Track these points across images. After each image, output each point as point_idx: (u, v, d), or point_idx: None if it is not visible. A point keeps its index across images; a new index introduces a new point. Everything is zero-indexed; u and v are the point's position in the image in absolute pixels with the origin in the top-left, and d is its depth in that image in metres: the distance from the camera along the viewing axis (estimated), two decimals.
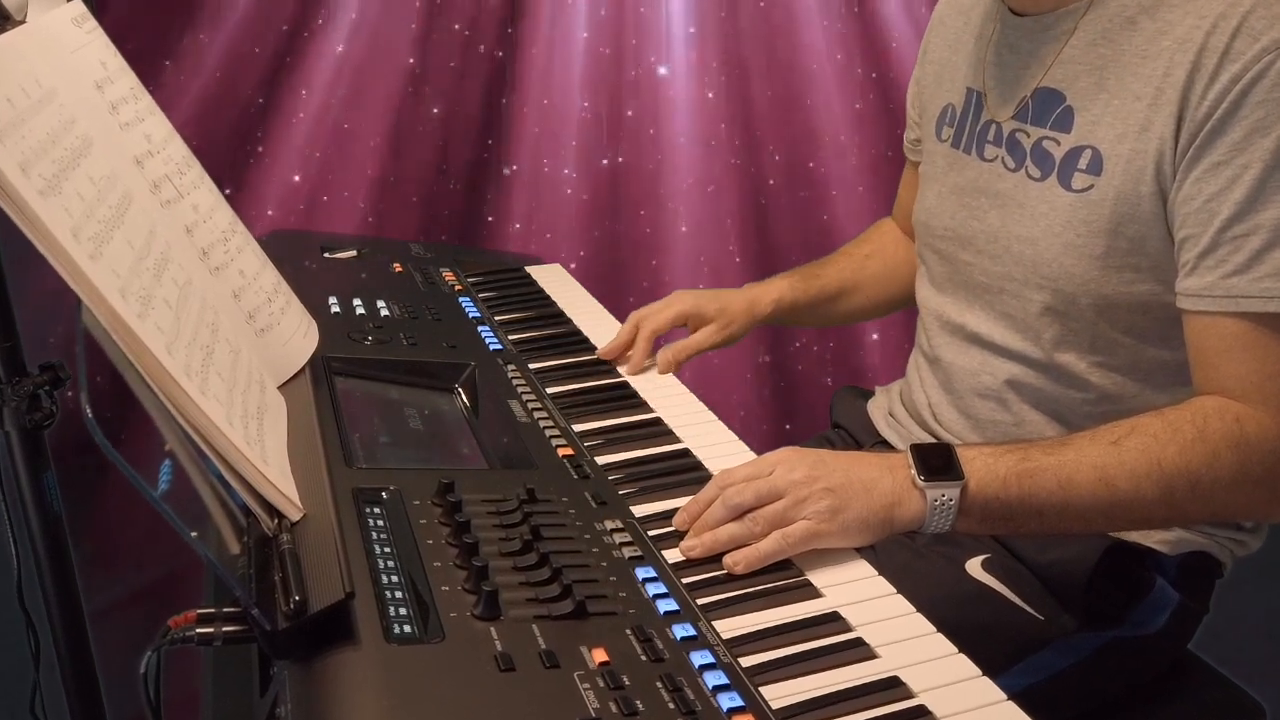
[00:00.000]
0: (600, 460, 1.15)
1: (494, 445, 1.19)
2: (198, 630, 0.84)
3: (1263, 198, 1.02)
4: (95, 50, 1.13)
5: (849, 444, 1.49)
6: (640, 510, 1.05)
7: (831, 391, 1.63)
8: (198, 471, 0.92)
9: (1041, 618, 1.15)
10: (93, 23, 1.15)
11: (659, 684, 0.80)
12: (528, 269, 1.75)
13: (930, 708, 0.82)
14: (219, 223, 1.19)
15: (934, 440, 1.34)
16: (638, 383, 1.37)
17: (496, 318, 1.53)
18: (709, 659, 0.83)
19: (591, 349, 1.44)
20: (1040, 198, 1.18)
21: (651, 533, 1.02)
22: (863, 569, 0.99)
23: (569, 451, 1.15)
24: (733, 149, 2.37)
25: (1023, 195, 1.20)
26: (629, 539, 0.99)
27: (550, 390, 1.31)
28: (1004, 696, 0.83)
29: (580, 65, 2.32)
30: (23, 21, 1.01)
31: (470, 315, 1.51)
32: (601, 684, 0.79)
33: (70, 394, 1.16)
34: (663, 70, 2.33)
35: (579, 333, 1.50)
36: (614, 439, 1.21)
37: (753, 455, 1.16)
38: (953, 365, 1.31)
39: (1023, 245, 1.20)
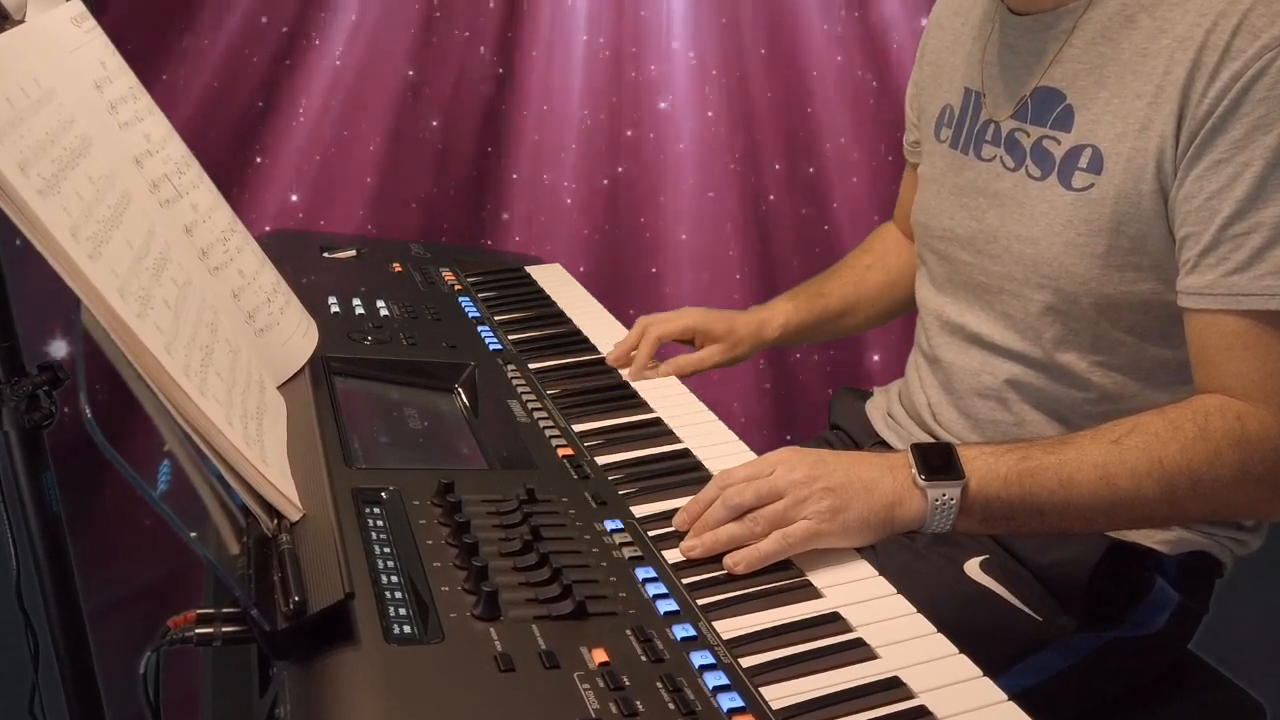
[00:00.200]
0: (600, 460, 1.15)
1: (494, 445, 1.19)
2: (197, 631, 0.84)
3: (1264, 195, 1.02)
4: (94, 49, 1.13)
5: (847, 445, 1.49)
6: (640, 510, 1.05)
7: (830, 392, 1.63)
8: (197, 472, 0.92)
9: (1041, 618, 1.15)
10: (92, 22, 1.15)
11: (659, 684, 0.80)
12: (527, 269, 1.75)
13: (931, 708, 0.82)
14: (218, 222, 1.19)
15: (935, 440, 1.34)
16: (638, 383, 1.37)
17: (496, 318, 1.53)
18: (709, 659, 0.83)
19: (591, 349, 1.44)
20: (1040, 197, 1.18)
21: (651, 533, 1.02)
22: (863, 569, 0.99)
23: (569, 451, 1.15)
24: (732, 155, 2.37)
25: (1023, 195, 1.20)
26: (629, 539, 0.99)
27: (550, 390, 1.31)
28: (1004, 697, 0.83)
29: (580, 70, 2.32)
30: (22, 21, 1.01)
31: (470, 315, 1.51)
32: (601, 684, 0.79)
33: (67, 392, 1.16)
34: (656, 68, 2.33)
35: (579, 333, 1.50)
36: (614, 439, 1.21)
37: (753, 455, 1.16)
38: (952, 365, 1.31)
39: (1023, 245, 1.19)
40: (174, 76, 2.24)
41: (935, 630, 0.90)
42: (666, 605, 0.90)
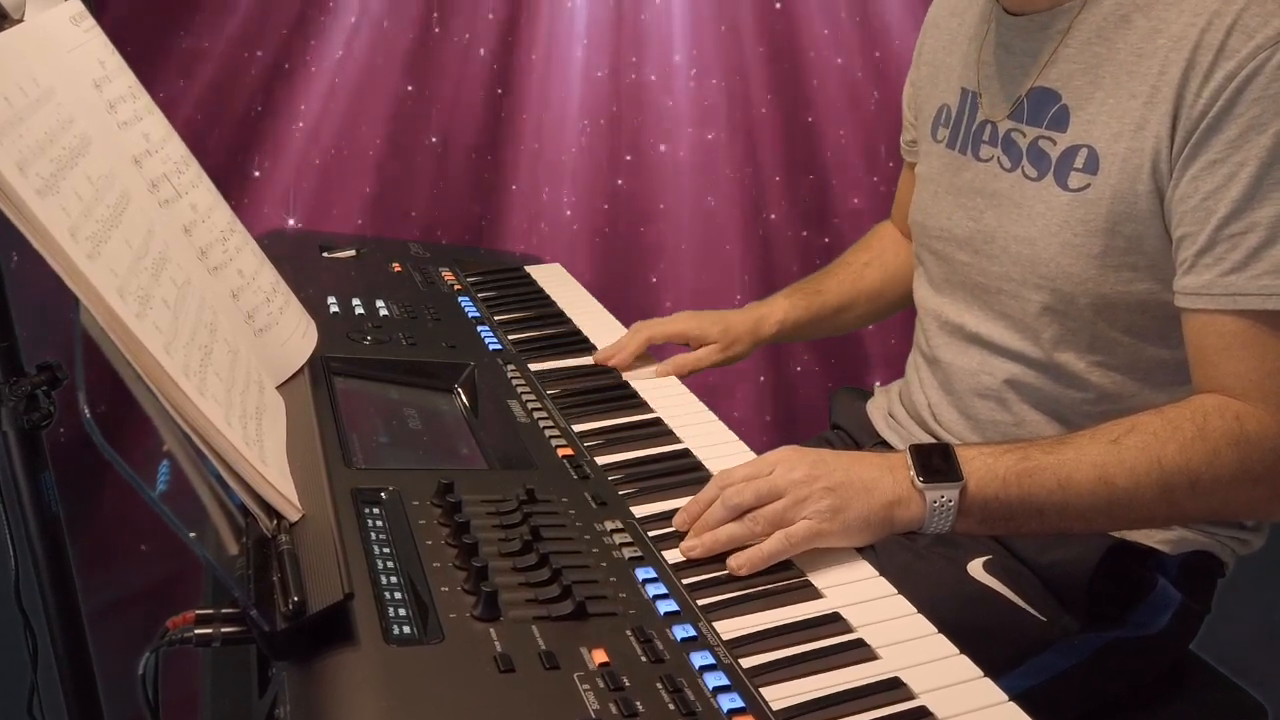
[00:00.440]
0: (600, 460, 1.15)
1: (494, 445, 1.19)
2: (196, 631, 0.84)
3: (1259, 195, 1.02)
4: (93, 49, 1.12)
5: (848, 445, 1.49)
6: (640, 510, 1.05)
7: (830, 392, 1.63)
8: (196, 472, 0.92)
9: (1043, 619, 1.15)
10: (90, 21, 1.15)
11: (659, 685, 0.79)
12: (527, 269, 1.74)
13: (931, 709, 0.81)
14: (217, 222, 1.19)
15: (934, 441, 1.33)
16: (638, 383, 1.37)
17: (496, 317, 1.53)
18: (709, 660, 0.83)
19: (592, 349, 1.44)
20: (1037, 197, 1.18)
21: (652, 533, 1.01)
22: (864, 570, 0.99)
23: (569, 452, 1.15)
24: (732, 161, 2.36)
25: (1019, 195, 1.20)
26: (629, 539, 0.99)
27: (550, 390, 1.31)
28: (1005, 698, 0.83)
29: (579, 76, 2.31)
30: (20, 20, 1.01)
31: (470, 315, 1.51)
32: (601, 685, 0.79)
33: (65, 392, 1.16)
34: (654, 77, 2.32)
35: (579, 332, 1.50)
36: (614, 439, 1.21)
37: (753, 455, 1.16)
38: (952, 365, 1.31)
39: (1020, 245, 1.19)
40: (173, 76, 2.23)
41: (936, 631, 0.90)
42: (666, 605, 0.90)
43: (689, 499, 1.04)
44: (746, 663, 0.85)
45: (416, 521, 0.96)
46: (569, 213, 2.35)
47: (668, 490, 1.10)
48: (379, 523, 0.96)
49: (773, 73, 2.32)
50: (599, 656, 0.81)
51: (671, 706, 0.77)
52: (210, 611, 0.85)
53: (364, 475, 1.04)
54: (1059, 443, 1.04)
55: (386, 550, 0.91)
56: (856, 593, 0.95)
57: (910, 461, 1.01)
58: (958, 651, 0.88)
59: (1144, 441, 1.02)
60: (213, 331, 1.02)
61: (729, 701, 0.79)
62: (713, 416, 1.28)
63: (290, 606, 0.80)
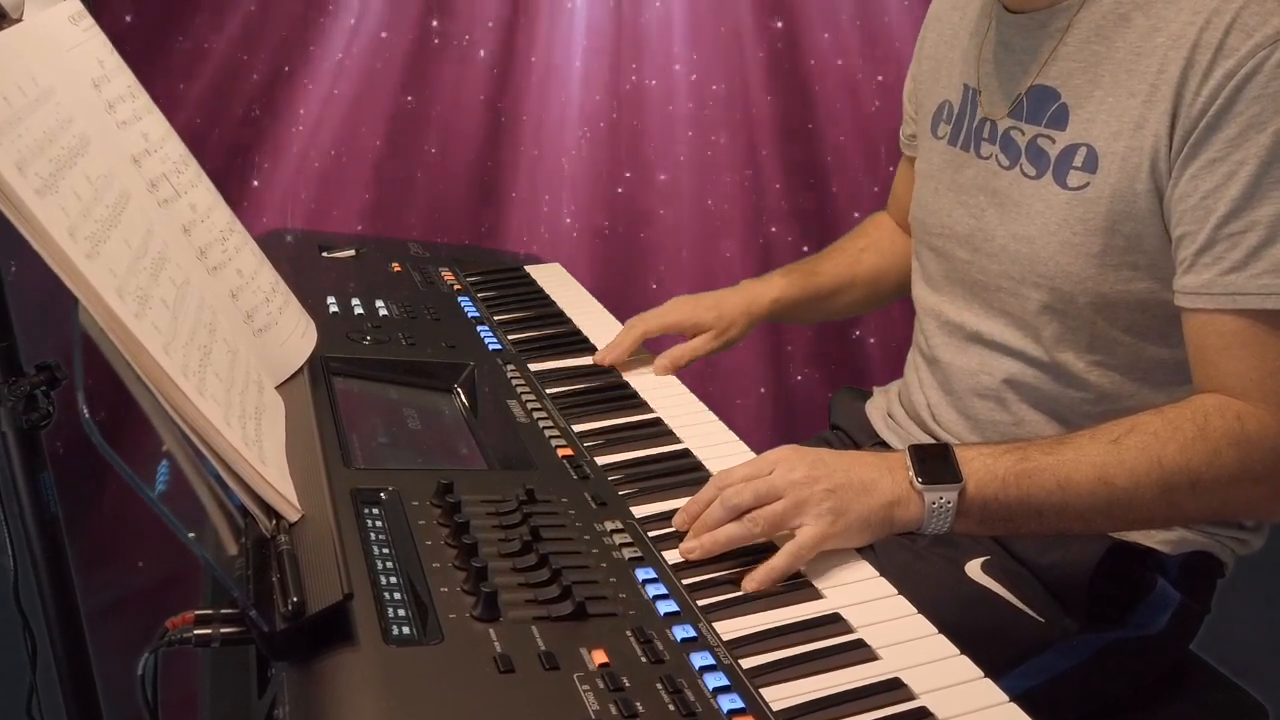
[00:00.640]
0: (600, 461, 1.15)
1: (493, 446, 1.19)
2: (195, 632, 0.84)
3: (1259, 194, 1.02)
4: (92, 48, 1.12)
5: (847, 445, 1.48)
6: (640, 511, 1.05)
7: (829, 392, 1.62)
8: (195, 472, 0.92)
9: (1043, 619, 1.15)
10: (89, 20, 1.15)
11: (659, 685, 0.79)
12: (527, 268, 1.74)
13: (932, 709, 0.81)
14: (216, 222, 1.19)
15: (933, 441, 1.33)
16: (638, 383, 1.36)
17: (495, 317, 1.52)
18: (709, 660, 0.83)
19: (591, 349, 1.44)
20: (1036, 196, 1.18)
21: (651, 533, 1.01)
22: (864, 570, 0.99)
23: (569, 452, 1.15)
24: (733, 165, 2.36)
25: (1019, 193, 1.20)
26: (629, 540, 0.99)
27: (550, 390, 1.31)
28: (1006, 698, 0.83)
29: (579, 82, 2.31)
30: (19, 19, 1.00)
31: (469, 315, 1.51)
32: (601, 685, 0.78)
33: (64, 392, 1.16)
34: (654, 82, 2.32)
35: (579, 332, 1.50)
36: (614, 439, 1.20)
37: (753, 455, 1.15)
38: (951, 365, 1.31)
39: (1019, 244, 1.19)
40: (172, 77, 2.23)
41: (936, 631, 0.90)
42: (666, 606, 0.90)
43: (688, 499, 1.04)
44: (746, 663, 0.85)
45: (416, 522, 0.96)
46: (569, 220, 2.35)
47: (668, 490, 1.09)
48: (378, 523, 0.95)
49: (773, 79, 2.32)
50: (599, 657, 0.81)
51: (671, 707, 0.77)
52: (209, 612, 0.85)
53: (363, 475, 1.04)
54: (1058, 443, 1.04)
55: (386, 551, 0.91)
56: (857, 593, 0.95)
57: (909, 462, 1.01)
58: (958, 652, 0.88)
59: (1144, 442, 1.02)
60: (212, 331, 1.02)
61: (729, 702, 0.79)
62: (713, 416, 1.28)
63: (289, 607, 0.80)
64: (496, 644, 0.81)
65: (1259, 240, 1.02)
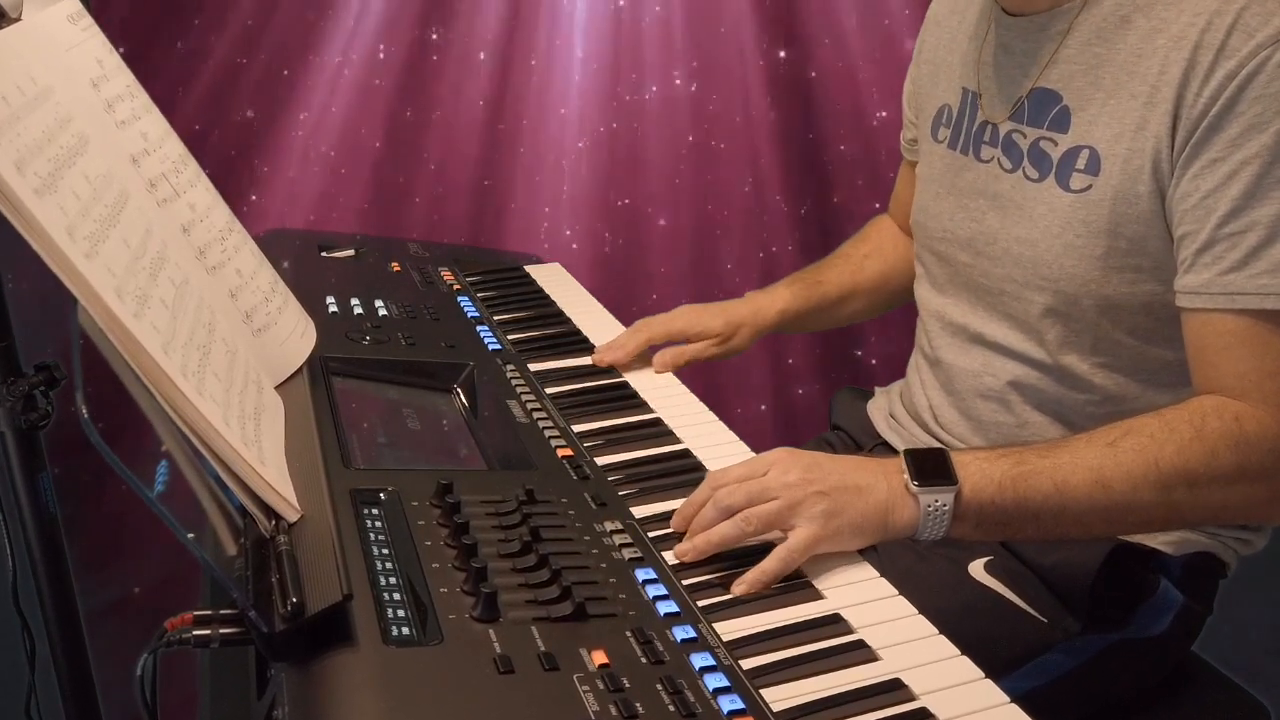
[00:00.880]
0: (600, 461, 1.14)
1: (493, 446, 1.19)
2: (194, 632, 0.84)
3: (1260, 194, 1.02)
4: (91, 48, 1.12)
5: (849, 446, 1.48)
6: (640, 511, 1.05)
7: (830, 393, 1.62)
8: (194, 472, 0.92)
9: (1045, 620, 1.14)
10: (88, 20, 1.14)
11: (659, 686, 0.79)
12: (526, 268, 1.74)
13: (932, 710, 0.81)
14: (216, 221, 1.19)
15: (935, 442, 1.33)
16: (638, 383, 1.36)
17: (495, 317, 1.52)
18: (709, 661, 0.83)
19: (591, 349, 1.44)
20: (1039, 199, 1.17)
21: (652, 534, 1.01)
22: (865, 571, 0.99)
23: (568, 452, 1.14)
24: (735, 172, 2.36)
25: (1021, 197, 1.19)
26: (629, 540, 0.98)
27: (549, 390, 1.30)
28: (1007, 699, 0.83)
29: (578, 86, 2.30)
30: (18, 19, 1.00)
31: (469, 315, 1.51)
32: (601, 686, 0.78)
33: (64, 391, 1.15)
34: (655, 89, 2.32)
35: (578, 332, 1.50)
36: (614, 439, 1.20)
37: (753, 455, 1.15)
38: (954, 366, 1.31)
39: (1022, 247, 1.19)
40: (171, 78, 2.23)
41: (937, 632, 0.90)
42: (666, 606, 0.89)
43: (684, 500, 1.03)
44: (747, 664, 0.85)
45: (415, 522, 0.96)
46: (568, 232, 2.35)
47: (668, 491, 1.09)
48: (378, 523, 0.95)
49: (774, 86, 2.31)
50: (599, 658, 0.81)
51: (671, 708, 0.77)
52: (208, 612, 0.85)
53: (363, 476, 1.04)
54: (1055, 446, 1.04)
55: (385, 551, 0.91)
56: (857, 594, 0.95)
57: (905, 465, 1.01)
58: (959, 653, 0.87)
59: (1141, 444, 1.01)
60: (211, 331, 1.01)
61: (729, 703, 0.78)
62: (713, 416, 1.27)
63: (289, 607, 0.80)
64: (496, 645, 0.81)
65: (1259, 240, 1.02)
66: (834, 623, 0.91)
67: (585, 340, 1.47)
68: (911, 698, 0.83)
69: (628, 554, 0.96)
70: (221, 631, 0.84)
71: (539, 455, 1.14)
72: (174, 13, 2.22)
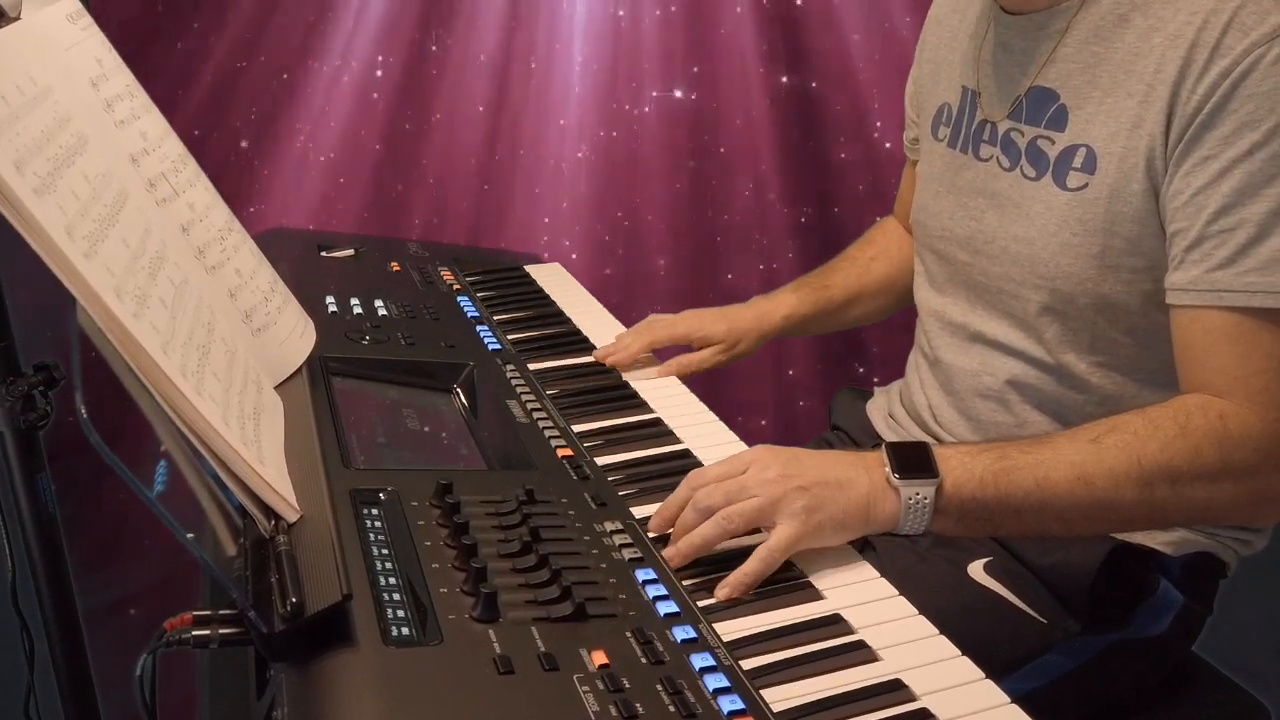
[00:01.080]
0: (600, 461, 1.14)
1: (493, 446, 1.19)
2: (194, 633, 0.84)
3: (1250, 191, 1.02)
4: (90, 47, 1.12)
5: (848, 445, 1.48)
6: (640, 511, 1.05)
7: (831, 392, 1.62)
8: (194, 472, 0.92)
9: (1044, 621, 1.14)
10: (88, 19, 1.14)
11: (659, 686, 0.79)
12: (526, 268, 1.74)
13: (933, 711, 0.81)
14: (215, 221, 1.19)
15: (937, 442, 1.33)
16: (638, 383, 1.36)
17: (495, 317, 1.52)
18: (710, 661, 0.83)
19: (591, 349, 1.44)
20: (1036, 197, 1.17)
21: (651, 534, 1.01)
22: (865, 571, 0.98)
23: (568, 452, 1.14)
24: (736, 178, 2.36)
25: (1019, 195, 1.20)
26: (629, 540, 0.98)
27: (549, 390, 1.30)
28: (1007, 699, 0.83)
29: (578, 90, 2.30)
30: (17, 18, 1.00)
31: (469, 315, 1.51)
32: (601, 686, 0.78)
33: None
34: (663, 94, 2.31)
35: (578, 332, 1.50)
36: (614, 439, 1.20)
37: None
38: (953, 366, 1.31)
39: (1020, 245, 1.19)
40: (169, 79, 2.23)
41: (937, 632, 0.90)
42: (666, 607, 0.89)
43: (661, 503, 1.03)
44: (747, 664, 0.84)
45: (415, 522, 0.96)
46: (567, 243, 2.34)
47: (668, 491, 1.08)
48: (377, 523, 0.95)
49: (775, 92, 2.31)
50: (599, 658, 0.81)
51: (672, 708, 0.77)
52: (208, 613, 0.85)
53: (362, 476, 1.04)
54: (1038, 442, 1.04)
55: (385, 551, 0.91)
56: (857, 594, 0.95)
57: (886, 458, 1.00)
58: (959, 653, 0.87)
59: (1124, 440, 1.01)
60: (210, 331, 1.01)
61: (729, 703, 0.78)
62: (713, 416, 1.27)
63: (288, 608, 0.80)
64: (496, 645, 0.81)
65: (1247, 238, 1.02)
66: (834, 623, 0.91)
67: (585, 340, 1.47)
68: (912, 698, 0.83)
69: (628, 554, 0.96)
70: (221, 632, 0.84)
71: (539, 455, 1.13)
72: (174, 13, 2.22)
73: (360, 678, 0.77)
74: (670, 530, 1.00)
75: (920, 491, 0.99)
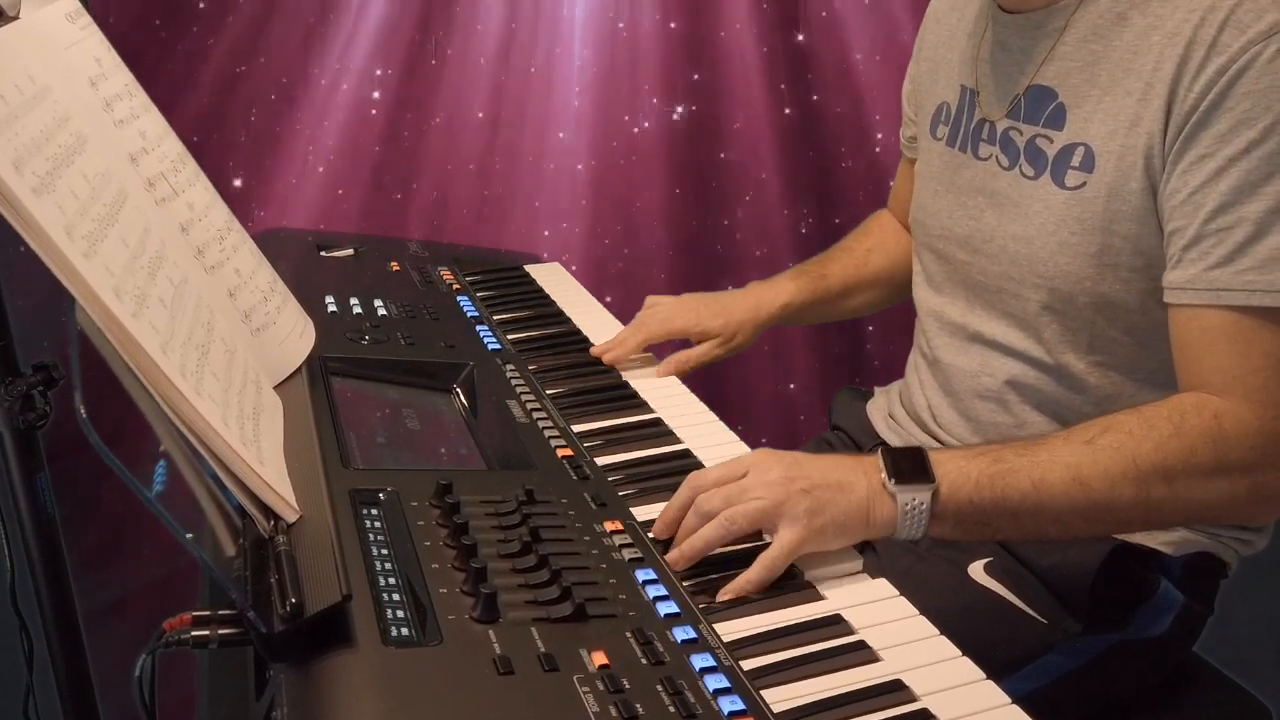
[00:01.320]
0: (600, 461, 1.14)
1: (492, 446, 1.19)
2: (193, 633, 0.84)
3: (1247, 189, 1.02)
4: (89, 46, 1.12)
5: (848, 446, 1.48)
6: (640, 512, 1.05)
7: (831, 393, 1.62)
8: (193, 473, 0.92)
9: (1045, 621, 1.14)
10: (87, 18, 1.14)
11: (659, 687, 0.79)
12: (526, 268, 1.74)
13: (933, 711, 0.81)
14: (214, 221, 1.19)
15: (934, 443, 1.33)
16: (638, 383, 1.36)
17: (495, 317, 1.52)
18: (710, 662, 0.83)
19: (590, 348, 1.44)
20: (1034, 196, 1.17)
21: (652, 534, 1.01)
22: (865, 571, 0.98)
23: (568, 452, 1.14)
24: (736, 183, 2.36)
25: (1017, 194, 1.19)
26: (629, 540, 0.98)
27: (549, 390, 1.30)
28: (1008, 700, 0.82)
29: (576, 111, 2.30)
30: (16, 17, 1.00)
31: (468, 314, 1.50)
32: (601, 687, 0.78)
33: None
34: (657, 100, 2.31)
35: (578, 332, 1.50)
36: (614, 439, 1.20)
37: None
38: (952, 366, 1.30)
39: (1018, 244, 1.19)
40: (168, 78, 2.23)
41: (938, 633, 0.90)
42: (667, 607, 0.89)
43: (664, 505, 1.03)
44: (747, 665, 0.84)
45: (415, 522, 0.96)
46: (566, 255, 2.34)
47: (668, 491, 1.08)
48: (377, 524, 0.95)
49: (775, 98, 2.31)
50: (599, 658, 0.81)
51: (672, 709, 0.77)
52: (207, 613, 0.85)
53: (362, 476, 1.04)
54: (1033, 445, 1.04)
55: (385, 551, 0.91)
56: (858, 594, 0.95)
57: (881, 464, 1.00)
58: (960, 654, 0.87)
59: (1119, 441, 1.01)
60: (210, 331, 1.01)
61: (730, 704, 0.78)
62: (713, 416, 1.27)
63: (288, 608, 0.79)
64: (496, 645, 0.81)
65: (1245, 236, 1.02)
66: (835, 623, 0.91)
67: (585, 340, 1.47)
68: (912, 699, 0.82)
69: (628, 554, 0.96)
70: (220, 632, 0.84)
71: (539, 455, 1.13)
72: (174, 13, 2.22)
73: (360, 678, 0.77)
74: (669, 535, 1.00)
75: (916, 497, 0.99)
